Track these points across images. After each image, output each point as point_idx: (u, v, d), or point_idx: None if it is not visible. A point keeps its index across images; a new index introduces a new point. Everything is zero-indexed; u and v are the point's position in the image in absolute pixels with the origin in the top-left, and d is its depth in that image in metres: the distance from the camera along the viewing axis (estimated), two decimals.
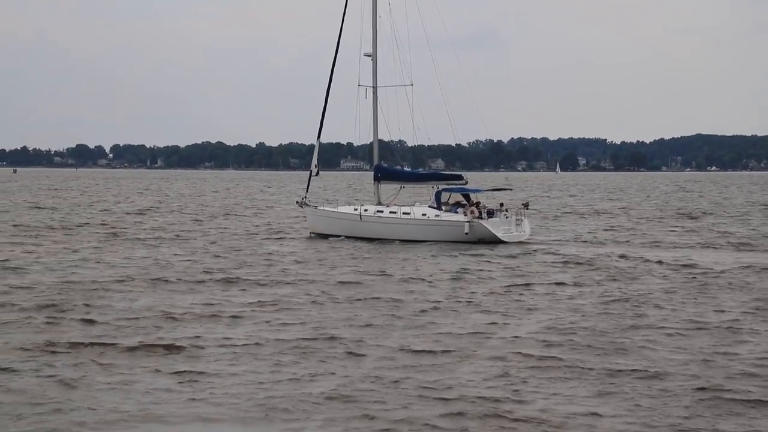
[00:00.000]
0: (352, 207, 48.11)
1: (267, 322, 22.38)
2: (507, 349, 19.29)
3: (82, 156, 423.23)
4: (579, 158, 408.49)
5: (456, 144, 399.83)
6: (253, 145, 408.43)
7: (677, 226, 56.61)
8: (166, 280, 29.50)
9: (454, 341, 20.13)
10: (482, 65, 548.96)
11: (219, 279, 30.04)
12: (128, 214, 67.89)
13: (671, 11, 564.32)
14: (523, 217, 45.82)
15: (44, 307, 24.04)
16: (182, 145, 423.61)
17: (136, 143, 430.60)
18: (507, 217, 45.26)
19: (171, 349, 19.11)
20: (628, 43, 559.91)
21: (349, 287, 28.57)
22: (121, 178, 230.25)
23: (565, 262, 36.18)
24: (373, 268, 34.04)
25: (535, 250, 40.94)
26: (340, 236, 46.62)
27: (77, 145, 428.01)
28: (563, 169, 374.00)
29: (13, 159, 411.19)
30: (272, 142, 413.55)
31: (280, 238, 47.21)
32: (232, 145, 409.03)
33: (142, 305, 24.54)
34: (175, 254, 38.14)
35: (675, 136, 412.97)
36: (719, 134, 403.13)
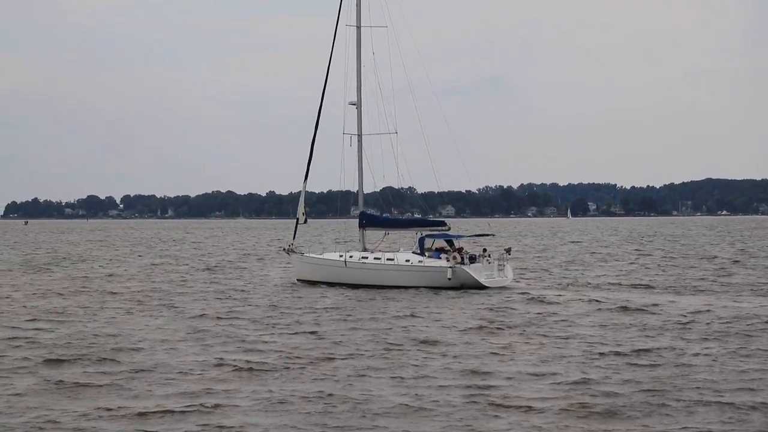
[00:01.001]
0: (338, 254, 48.65)
1: (298, 378, 22.35)
2: (542, 403, 19.43)
3: (93, 207, 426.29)
4: (589, 203, 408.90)
5: (466, 191, 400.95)
6: (264, 194, 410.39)
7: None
8: (200, 338, 29.20)
9: (492, 392, 20.36)
10: (492, 111, 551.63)
11: (236, 334, 29.88)
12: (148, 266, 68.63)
13: (680, 56, 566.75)
14: (505, 263, 46.28)
15: (71, 361, 24.50)
16: (192, 194, 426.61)
17: (146, 193, 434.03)
18: (489, 263, 45.72)
19: (203, 407, 19.22)
20: (637, 88, 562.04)
21: (373, 339, 28.50)
22: (132, 228, 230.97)
23: (596, 310, 36.30)
24: (393, 314, 34.28)
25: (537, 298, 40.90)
26: (325, 283, 47.13)
27: (88, 196, 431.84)
28: (573, 214, 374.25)
29: (24, 210, 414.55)
30: (282, 190, 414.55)
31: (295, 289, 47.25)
32: (242, 194, 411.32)
33: (173, 360, 24.63)
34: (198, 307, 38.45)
35: (685, 181, 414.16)
36: (729, 178, 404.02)
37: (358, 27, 49.66)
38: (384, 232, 49.84)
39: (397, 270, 45.81)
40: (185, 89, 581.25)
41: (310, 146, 50.90)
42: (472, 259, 45.63)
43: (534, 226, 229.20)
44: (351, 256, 47.44)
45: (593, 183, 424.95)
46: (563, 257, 74.36)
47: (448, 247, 46.76)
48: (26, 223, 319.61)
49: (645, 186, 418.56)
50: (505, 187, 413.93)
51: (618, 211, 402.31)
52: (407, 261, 46.00)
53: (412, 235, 48.70)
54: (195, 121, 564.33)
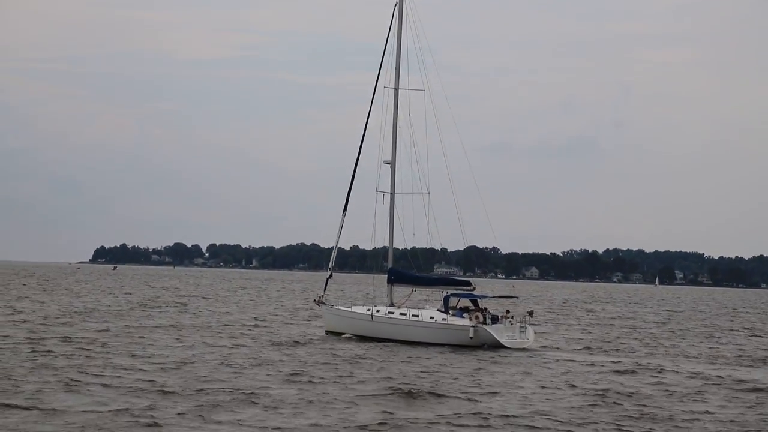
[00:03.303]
0: (365, 307, 49.60)
1: None
2: None
3: (179, 254, 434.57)
4: (676, 271, 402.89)
5: (551, 253, 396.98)
6: (348, 248, 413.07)
7: None
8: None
9: None
10: (578, 173, 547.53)
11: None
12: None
13: None
14: (527, 325, 46.78)
15: None
16: (277, 246, 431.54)
17: (232, 243, 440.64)
18: (511, 324, 46.25)
19: None
20: (727, 159, 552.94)
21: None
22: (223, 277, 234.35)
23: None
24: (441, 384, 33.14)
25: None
26: (350, 336, 48.16)
27: (175, 244, 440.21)
28: (660, 282, 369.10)
29: (112, 256, 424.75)
30: (366, 245, 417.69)
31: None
32: (326, 247, 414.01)
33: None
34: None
35: None
36: None
37: (396, 89, 51.06)
38: (411, 288, 50.69)
39: (421, 326, 46.65)
40: (270, 142, 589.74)
41: (344, 203, 52.20)
42: (495, 320, 46.32)
43: (619, 292, 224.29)
44: (378, 311, 48.40)
45: (680, 251, 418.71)
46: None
47: (473, 307, 47.45)
48: (115, 268, 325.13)
49: (733, 257, 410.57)
50: (590, 251, 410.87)
51: (705, 281, 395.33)
52: (431, 318, 46.84)
53: (439, 293, 49.39)
54: (280, 174, 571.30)
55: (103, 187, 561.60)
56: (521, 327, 46.43)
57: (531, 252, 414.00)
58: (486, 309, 47.44)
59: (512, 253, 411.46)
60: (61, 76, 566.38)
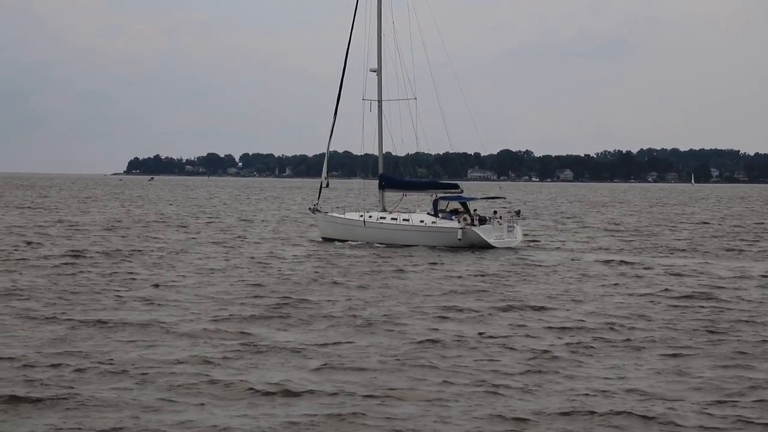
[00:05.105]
0: (358, 213, 50.59)
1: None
2: None
3: (213, 164, 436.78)
4: (711, 169, 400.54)
5: (585, 155, 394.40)
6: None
7: None
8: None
9: None
10: (612, 74, 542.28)
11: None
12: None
13: None
14: (515, 224, 47.70)
15: None
16: (310, 154, 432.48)
17: (264, 152, 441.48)
18: (500, 224, 47.10)
19: None
20: (763, 51, 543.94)
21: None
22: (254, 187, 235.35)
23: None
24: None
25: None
26: (346, 241, 49.18)
27: (208, 154, 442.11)
28: (695, 180, 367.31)
29: (146, 167, 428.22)
30: (399, 152, 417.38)
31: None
32: (359, 154, 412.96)
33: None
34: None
35: None
36: None
37: None
38: (402, 193, 51.63)
39: (411, 230, 47.62)
40: (301, 49, 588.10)
41: (334, 112, 53.11)
42: (482, 221, 47.17)
43: (660, 192, 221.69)
44: (370, 216, 49.37)
45: (715, 149, 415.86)
46: None
47: (462, 209, 48.30)
48: (151, 179, 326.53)
49: None
50: (624, 151, 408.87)
51: (742, 177, 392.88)
52: (421, 222, 47.79)
53: (429, 197, 50.29)
54: (311, 82, 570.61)
55: (134, 98, 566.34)
56: (509, 226, 47.32)
57: (565, 154, 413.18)
58: (475, 210, 48.37)
59: (546, 155, 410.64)
60: None
